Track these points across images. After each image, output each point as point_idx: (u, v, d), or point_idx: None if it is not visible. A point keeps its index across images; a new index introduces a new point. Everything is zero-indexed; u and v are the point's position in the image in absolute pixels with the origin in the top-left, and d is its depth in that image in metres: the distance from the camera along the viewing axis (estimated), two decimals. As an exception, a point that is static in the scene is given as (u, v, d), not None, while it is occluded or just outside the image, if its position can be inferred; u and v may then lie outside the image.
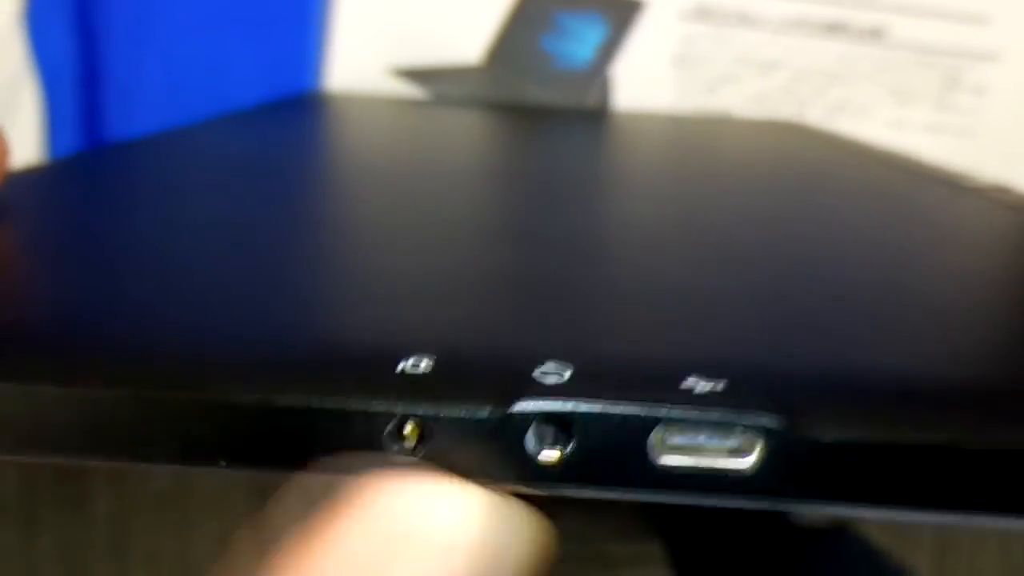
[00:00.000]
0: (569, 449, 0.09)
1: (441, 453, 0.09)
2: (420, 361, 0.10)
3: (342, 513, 0.09)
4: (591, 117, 0.35)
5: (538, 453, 0.09)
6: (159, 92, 0.34)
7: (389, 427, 0.09)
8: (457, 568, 0.09)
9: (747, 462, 0.09)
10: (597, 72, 0.36)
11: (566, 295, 0.13)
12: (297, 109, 0.32)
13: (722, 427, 0.09)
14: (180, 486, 0.39)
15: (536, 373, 0.10)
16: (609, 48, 0.36)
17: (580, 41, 0.36)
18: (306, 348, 0.10)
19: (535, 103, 0.36)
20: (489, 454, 0.09)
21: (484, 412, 0.09)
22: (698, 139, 0.32)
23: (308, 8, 0.35)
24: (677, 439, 0.09)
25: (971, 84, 0.35)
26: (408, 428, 0.09)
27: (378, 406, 0.09)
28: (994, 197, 0.22)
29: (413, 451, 0.09)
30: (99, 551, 0.37)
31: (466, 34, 0.36)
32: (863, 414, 0.09)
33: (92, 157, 0.26)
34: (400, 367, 0.10)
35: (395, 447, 0.09)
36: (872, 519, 0.10)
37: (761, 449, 0.09)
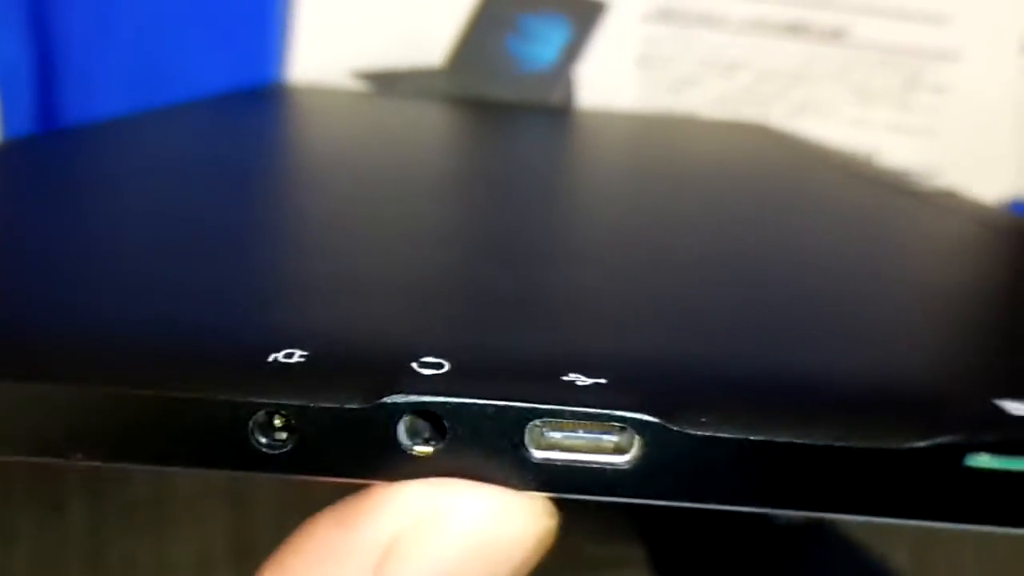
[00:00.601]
0: (443, 444, 0.09)
1: (312, 447, 0.09)
2: (292, 353, 0.09)
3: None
4: (553, 114, 0.34)
5: (411, 447, 0.09)
6: (117, 90, 0.34)
7: (255, 419, 0.09)
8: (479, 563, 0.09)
9: (625, 458, 0.09)
10: (561, 73, 0.36)
11: (462, 294, 0.12)
12: (255, 100, 0.32)
13: (599, 422, 0.09)
14: (156, 494, 0.38)
15: (413, 366, 0.09)
16: (572, 49, 0.36)
17: (543, 42, 0.36)
18: (178, 338, 0.10)
19: (499, 101, 0.36)
20: (361, 448, 0.09)
21: (353, 403, 0.09)
22: (656, 138, 0.32)
23: (269, 7, 0.35)
24: (554, 435, 0.09)
25: (932, 83, 0.35)
26: (276, 421, 0.09)
27: (245, 396, 0.09)
28: (939, 201, 0.22)
29: (282, 445, 0.09)
30: (75, 559, 0.36)
31: (429, 36, 0.36)
32: (738, 412, 0.09)
33: (37, 141, 0.25)
34: (272, 357, 0.09)
35: (262, 440, 0.09)
36: (749, 512, 0.10)
37: (639, 445, 0.09)
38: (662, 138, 0.32)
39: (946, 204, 0.22)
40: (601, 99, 0.36)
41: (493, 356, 0.10)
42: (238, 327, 0.10)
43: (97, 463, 0.09)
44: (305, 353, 0.09)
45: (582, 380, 0.09)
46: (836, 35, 0.35)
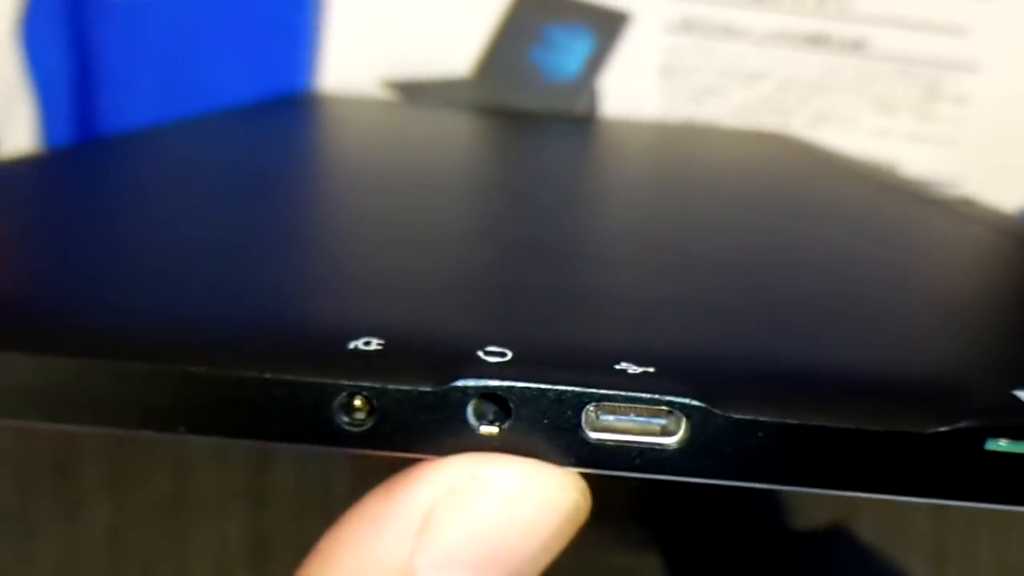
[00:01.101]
0: (507, 424, 0.10)
1: (389, 426, 0.10)
2: (370, 341, 0.10)
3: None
4: (577, 123, 0.35)
5: (478, 427, 0.10)
6: (152, 98, 0.35)
7: (338, 399, 0.10)
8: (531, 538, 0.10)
9: (673, 440, 0.10)
10: (585, 83, 0.37)
11: (516, 291, 0.13)
12: (290, 108, 0.33)
13: (649, 406, 0.10)
14: (177, 494, 0.39)
15: (479, 354, 0.10)
16: (596, 60, 0.36)
17: (568, 53, 0.37)
18: (267, 328, 0.11)
19: (524, 111, 0.36)
20: (433, 427, 0.10)
21: (427, 386, 0.10)
22: (679, 147, 0.32)
23: (300, 21, 0.36)
24: (608, 418, 0.10)
25: (952, 94, 0.36)
26: (357, 401, 0.10)
27: (328, 379, 0.10)
28: (957, 209, 0.23)
29: (362, 423, 0.10)
30: (96, 562, 0.37)
31: (456, 47, 0.36)
32: (776, 398, 0.10)
33: (76, 151, 0.26)
34: (352, 345, 0.10)
35: (344, 419, 0.10)
36: (793, 493, 0.11)
37: (685, 428, 0.10)
38: (684, 147, 0.32)
39: (964, 212, 0.23)
40: (624, 108, 0.36)
41: (551, 346, 0.11)
42: (320, 319, 0.11)
43: (199, 436, 0.10)
44: (381, 342, 0.10)
45: (633, 368, 0.10)
46: (856, 46, 0.36)
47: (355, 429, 0.10)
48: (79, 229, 0.15)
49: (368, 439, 0.10)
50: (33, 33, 0.34)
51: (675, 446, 0.10)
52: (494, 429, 0.10)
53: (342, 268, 0.14)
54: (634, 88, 0.36)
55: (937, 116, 0.36)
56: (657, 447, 0.10)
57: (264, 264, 0.14)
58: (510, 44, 0.37)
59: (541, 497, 0.10)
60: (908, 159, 0.36)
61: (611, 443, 0.10)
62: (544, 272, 0.15)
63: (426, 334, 0.11)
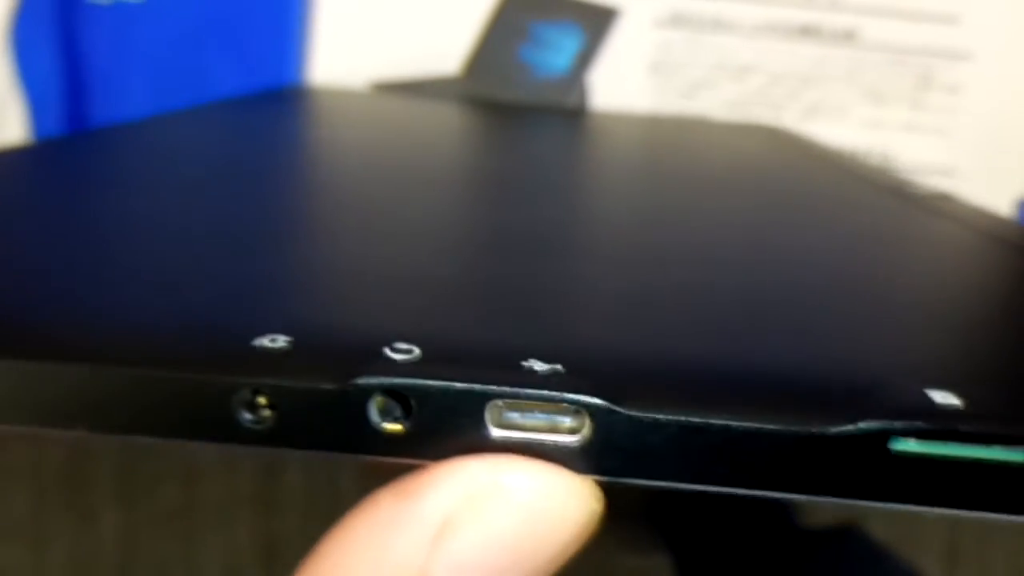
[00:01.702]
0: (411, 422, 0.10)
1: (292, 424, 0.10)
2: (276, 338, 0.10)
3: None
4: (565, 115, 0.35)
5: (382, 424, 0.10)
6: (144, 101, 0.35)
7: (239, 396, 0.10)
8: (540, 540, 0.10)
9: (576, 438, 0.10)
10: (575, 80, 0.36)
11: (438, 287, 0.13)
12: (274, 100, 0.33)
13: (553, 404, 0.10)
14: (187, 501, 0.39)
15: (385, 351, 0.10)
16: (586, 56, 0.36)
17: (557, 50, 0.36)
18: (172, 323, 0.11)
19: (514, 106, 0.36)
20: (337, 425, 0.10)
21: (329, 384, 0.10)
22: (661, 139, 0.32)
23: (289, 22, 0.36)
24: (513, 415, 0.10)
25: (945, 83, 0.35)
26: (260, 399, 0.10)
27: (231, 375, 0.10)
28: (929, 205, 0.23)
29: (264, 421, 0.10)
30: (107, 569, 0.37)
31: (445, 45, 0.36)
32: (678, 397, 0.10)
33: (66, 141, 0.26)
34: (257, 342, 0.10)
35: (247, 417, 0.10)
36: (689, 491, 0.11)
37: (589, 426, 0.10)
38: (667, 139, 0.32)
39: (936, 208, 0.23)
40: (615, 104, 0.36)
41: (459, 343, 0.11)
42: (229, 315, 0.11)
43: (97, 433, 0.10)
44: (289, 339, 0.10)
45: (540, 366, 0.10)
46: (847, 37, 0.36)
47: (258, 427, 0.10)
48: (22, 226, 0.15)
49: (271, 437, 0.10)
50: (23, 36, 0.34)
51: (579, 444, 0.10)
52: (398, 427, 0.10)
53: (271, 263, 0.14)
54: (624, 84, 0.36)
55: (930, 105, 0.36)
56: (561, 445, 0.10)
57: (184, 258, 0.14)
58: (499, 42, 0.36)
59: (560, 506, 0.10)
60: (902, 149, 0.36)
61: (515, 441, 0.10)
62: (474, 265, 0.15)
63: (335, 331, 0.11)
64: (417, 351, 0.10)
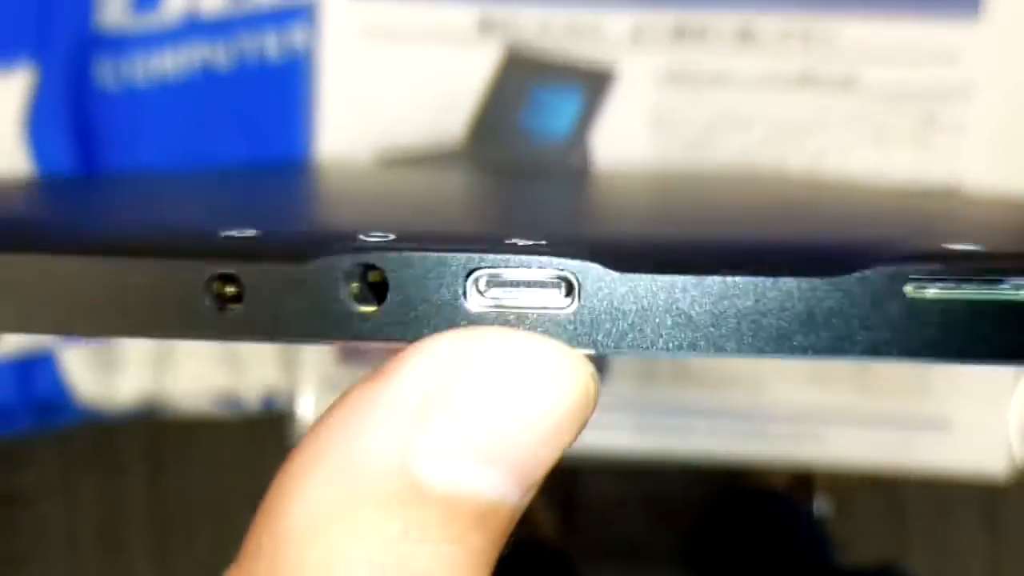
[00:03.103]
0: (387, 300, 0.09)
1: (262, 308, 0.09)
2: (247, 230, 0.10)
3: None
4: (571, 174, 0.35)
5: (355, 306, 0.09)
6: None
7: (206, 281, 0.09)
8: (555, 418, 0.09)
9: (565, 308, 0.09)
10: (577, 142, 0.37)
11: (420, 207, 0.13)
12: (280, 169, 0.33)
13: (539, 272, 0.09)
14: (218, 559, 0.38)
15: (359, 236, 0.10)
16: (586, 118, 0.37)
17: (557, 114, 0.37)
18: (147, 223, 0.11)
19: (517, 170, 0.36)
20: (308, 307, 0.09)
21: (301, 265, 0.09)
22: (674, 185, 0.32)
23: (295, 98, 0.37)
24: (497, 291, 0.09)
25: (949, 122, 0.35)
26: (228, 287, 0.09)
27: (198, 262, 0.09)
28: (946, 198, 0.23)
29: (234, 307, 0.09)
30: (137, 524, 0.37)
31: (446, 115, 0.37)
32: (675, 256, 0.09)
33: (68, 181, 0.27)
34: (224, 233, 0.10)
35: (216, 304, 0.09)
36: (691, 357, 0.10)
37: (577, 294, 0.09)
38: (680, 185, 0.32)
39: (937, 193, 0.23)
40: (618, 163, 0.36)
41: (438, 228, 0.10)
42: (201, 216, 0.11)
43: (70, 335, 0.10)
44: (259, 231, 0.10)
45: (523, 241, 0.10)
46: (847, 83, 0.35)
47: (228, 315, 0.09)
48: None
49: (240, 325, 0.09)
50: (38, 126, 0.36)
51: (569, 314, 0.09)
52: (372, 307, 0.09)
53: (243, 195, 0.14)
54: (626, 142, 0.36)
55: (935, 146, 0.35)
56: (549, 316, 0.09)
57: (172, 197, 0.14)
58: (499, 109, 0.37)
59: (547, 377, 0.09)
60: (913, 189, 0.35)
61: (502, 313, 0.09)
62: (463, 204, 0.15)
63: (305, 223, 0.11)
64: (393, 236, 0.10)
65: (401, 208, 0.14)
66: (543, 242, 0.09)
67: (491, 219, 0.12)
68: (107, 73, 0.36)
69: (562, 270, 0.09)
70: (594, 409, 0.09)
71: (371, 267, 0.09)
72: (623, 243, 0.10)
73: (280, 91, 0.36)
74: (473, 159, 0.37)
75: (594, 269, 0.09)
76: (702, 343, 0.09)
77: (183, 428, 0.41)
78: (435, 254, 0.09)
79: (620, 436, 0.35)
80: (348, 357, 0.38)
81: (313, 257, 0.09)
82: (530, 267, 0.09)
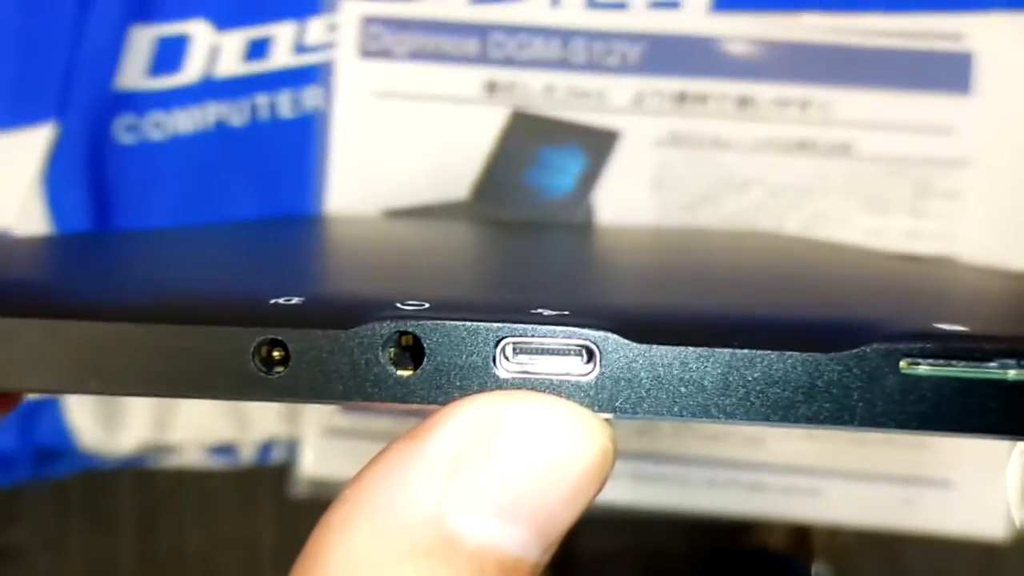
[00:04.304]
0: (422, 366, 0.10)
1: (306, 372, 0.10)
2: (292, 298, 0.11)
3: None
4: (574, 227, 0.36)
5: (394, 370, 0.10)
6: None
7: (254, 346, 0.10)
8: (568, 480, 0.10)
9: (586, 376, 0.10)
10: (579, 200, 0.38)
11: (449, 270, 0.14)
12: (289, 222, 0.34)
13: (563, 341, 0.10)
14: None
15: (396, 304, 0.11)
16: (590, 177, 0.38)
17: (561, 172, 0.38)
18: (191, 291, 0.12)
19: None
20: (349, 372, 0.10)
21: (340, 331, 0.10)
22: (674, 239, 0.33)
23: (305, 153, 0.38)
24: (524, 358, 0.10)
25: (943, 190, 0.36)
26: (275, 351, 0.10)
27: (246, 328, 0.10)
28: (939, 268, 0.23)
29: (279, 371, 0.10)
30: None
31: (452, 173, 0.38)
32: (686, 329, 0.10)
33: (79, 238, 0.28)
34: (272, 301, 0.11)
35: (262, 368, 0.10)
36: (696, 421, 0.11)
37: (598, 361, 0.10)
38: (680, 239, 0.33)
39: (933, 262, 0.24)
40: (619, 221, 0.37)
41: (469, 298, 0.11)
42: (251, 287, 0.12)
43: (118, 391, 0.10)
44: (302, 298, 0.11)
45: (548, 312, 0.10)
46: (843, 150, 0.37)
47: (272, 377, 0.10)
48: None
49: (285, 388, 0.10)
50: (57, 178, 0.36)
51: (589, 381, 0.10)
52: (409, 372, 0.10)
53: (283, 266, 0.15)
54: (628, 201, 0.37)
55: (930, 213, 0.36)
56: (571, 382, 0.10)
57: (210, 263, 0.15)
58: (505, 167, 0.38)
59: (569, 440, 0.10)
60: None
61: (527, 381, 0.10)
62: (479, 271, 0.15)
63: (347, 293, 0.11)
64: (427, 304, 0.10)
65: (424, 265, 0.15)
66: (566, 312, 0.10)
67: (512, 282, 0.13)
68: (124, 128, 0.37)
69: (584, 340, 0.10)
70: (612, 468, 0.10)
71: (408, 333, 0.10)
72: (640, 314, 0.11)
73: (292, 148, 0.37)
74: (478, 213, 0.38)
75: (613, 339, 0.10)
76: (713, 410, 0.10)
77: (175, 478, 0.41)
78: (468, 323, 0.10)
79: (617, 488, 0.35)
80: (349, 408, 0.38)
81: (355, 324, 0.10)
82: (555, 336, 0.10)
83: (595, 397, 0.10)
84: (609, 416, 0.10)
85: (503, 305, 0.11)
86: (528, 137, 0.38)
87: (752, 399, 0.10)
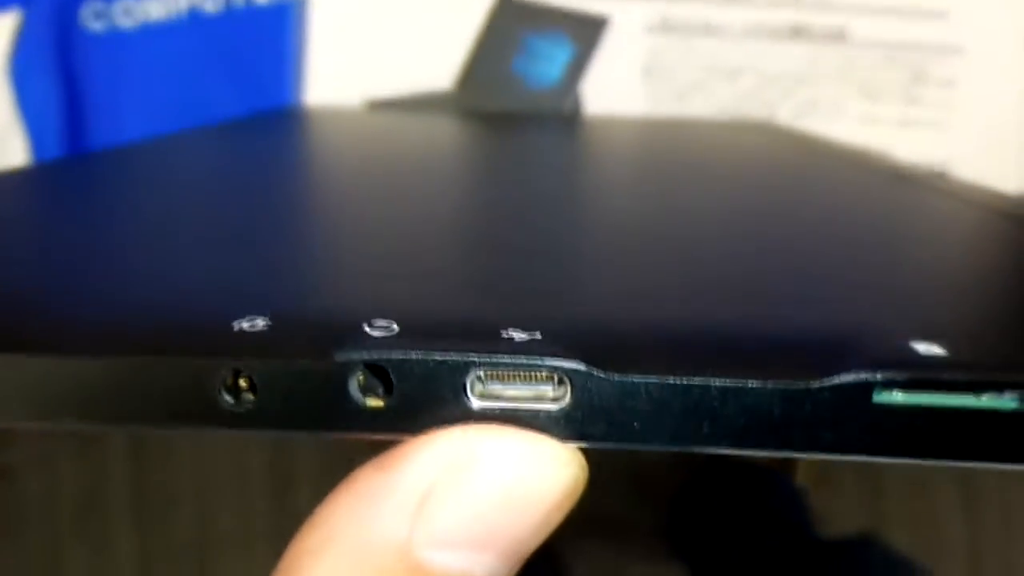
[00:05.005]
0: (393, 396, 0.10)
1: (274, 403, 0.10)
2: (256, 321, 0.10)
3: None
4: (562, 121, 0.35)
5: (364, 401, 0.10)
6: (141, 124, 0.35)
7: (220, 378, 0.10)
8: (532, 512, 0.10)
9: (558, 405, 0.10)
10: (567, 89, 0.37)
11: (415, 273, 0.13)
12: (272, 119, 0.33)
13: (532, 372, 0.10)
14: (201, 534, 0.39)
15: (364, 328, 0.10)
16: (577, 65, 0.37)
17: (549, 60, 0.37)
18: (151, 312, 0.11)
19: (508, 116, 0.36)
20: (318, 403, 0.10)
21: (308, 363, 0.10)
22: (658, 139, 0.32)
23: (284, 43, 0.36)
24: (495, 385, 0.10)
25: (938, 78, 0.35)
26: (242, 380, 0.10)
27: (213, 358, 0.10)
28: (926, 180, 0.23)
29: (246, 402, 0.10)
30: None
31: (437, 61, 0.37)
32: (657, 358, 0.10)
33: (67, 162, 0.27)
34: (236, 326, 0.10)
35: (228, 399, 0.10)
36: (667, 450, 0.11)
37: (569, 392, 0.10)
38: (664, 139, 0.32)
39: (930, 184, 0.23)
40: (608, 111, 0.36)
41: (436, 318, 0.11)
42: (212, 303, 0.11)
43: (85, 426, 0.10)
44: (268, 321, 0.10)
45: (519, 335, 0.10)
46: (837, 36, 0.36)
47: (240, 409, 0.10)
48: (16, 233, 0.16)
49: (253, 419, 0.10)
50: (22, 67, 0.35)
51: (560, 411, 0.10)
52: (379, 402, 0.10)
53: (246, 258, 0.14)
54: (617, 90, 0.36)
55: (924, 100, 0.35)
56: (543, 413, 0.10)
57: (167, 258, 0.14)
58: (490, 55, 0.37)
59: (540, 475, 0.10)
60: (898, 145, 0.35)
61: (497, 411, 0.10)
62: (456, 256, 0.15)
63: (314, 312, 0.11)
64: (395, 327, 0.10)
65: (398, 245, 0.15)
66: (537, 334, 0.10)
67: (485, 297, 0.12)
68: (92, 15, 0.36)
69: (554, 369, 0.10)
70: (583, 490, 0.10)
71: (377, 364, 0.10)
72: (611, 343, 0.10)
73: (269, 36, 0.36)
74: (463, 103, 0.37)
75: (582, 370, 0.10)
76: (684, 438, 0.10)
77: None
78: (436, 354, 0.10)
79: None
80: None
81: (322, 355, 0.10)
82: (524, 368, 0.10)
83: (565, 426, 0.10)
84: (581, 445, 0.10)
85: (473, 329, 0.10)
86: (514, 23, 0.37)
87: (722, 427, 0.10)
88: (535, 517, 0.10)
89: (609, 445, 0.10)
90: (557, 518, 0.10)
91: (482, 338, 0.10)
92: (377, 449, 0.11)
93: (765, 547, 0.34)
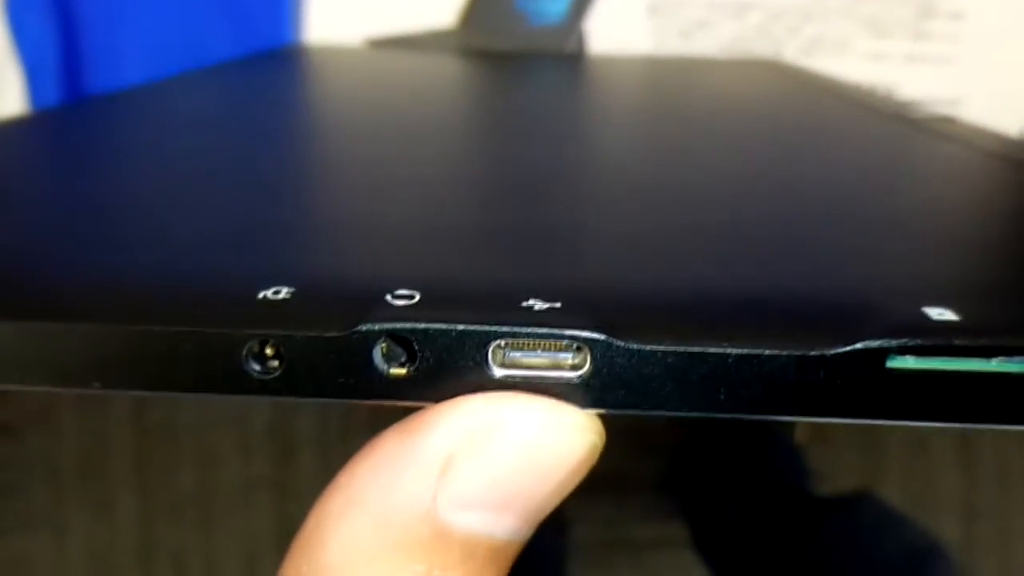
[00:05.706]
0: (415, 365, 0.10)
1: (299, 372, 0.10)
2: (280, 289, 0.11)
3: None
4: (566, 61, 0.35)
5: (387, 369, 0.10)
6: (140, 65, 0.35)
7: (248, 348, 0.10)
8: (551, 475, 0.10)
9: (578, 374, 0.10)
10: (572, 26, 0.36)
11: (438, 233, 0.13)
12: (273, 61, 0.32)
13: (554, 341, 0.10)
14: (202, 488, 0.39)
15: (387, 298, 0.10)
16: (582, 2, 0.36)
17: (552, -3, 0.36)
18: (178, 280, 0.11)
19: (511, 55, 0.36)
20: (343, 372, 0.10)
21: (333, 331, 0.10)
22: (664, 79, 0.32)
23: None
24: (515, 354, 0.10)
25: (947, 11, 0.35)
26: (268, 349, 0.10)
27: (240, 328, 0.10)
28: (935, 127, 0.23)
29: (273, 371, 0.10)
30: (126, 556, 0.37)
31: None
32: (675, 327, 0.10)
33: (67, 109, 0.26)
34: (262, 294, 0.10)
35: (256, 367, 0.10)
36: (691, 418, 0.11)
37: (589, 361, 0.10)
38: (673, 78, 0.32)
39: (933, 128, 0.22)
40: (613, 49, 0.36)
41: (458, 287, 0.11)
42: (236, 269, 0.12)
43: (113, 391, 0.10)
44: (291, 289, 0.11)
45: (539, 304, 0.10)
46: (845, -30, 0.35)
47: (266, 377, 0.10)
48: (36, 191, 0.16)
49: (279, 387, 0.10)
50: (18, 8, 0.34)
51: (580, 379, 0.10)
52: (402, 371, 0.10)
53: (267, 219, 0.14)
54: (622, 27, 0.36)
55: (932, 35, 0.35)
56: (563, 381, 0.10)
57: (186, 219, 0.14)
58: (494, -8, 0.36)
59: (559, 440, 0.10)
60: (906, 81, 0.35)
61: (518, 379, 0.10)
62: (473, 213, 0.15)
63: (337, 281, 0.11)
64: (418, 296, 0.10)
65: (414, 209, 0.15)
66: (557, 303, 0.10)
67: (504, 263, 0.12)
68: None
69: (574, 339, 0.10)
70: (598, 456, 0.11)
71: (400, 334, 0.10)
72: (629, 312, 0.11)
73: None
74: (465, 41, 0.36)
75: (602, 340, 0.10)
76: (700, 405, 0.10)
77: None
78: (459, 325, 0.10)
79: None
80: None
81: (348, 326, 0.10)
82: (544, 338, 0.10)
83: (585, 394, 0.10)
84: (600, 412, 0.11)
85: (494, 298, 0.11)
86: (517, -41, 0.36)
87: (739, 394, 0.10)
88: (554, 481, 0.10)
89: (627, 412, 0.10)
90: (575, 482, 0.11)
91: (503, 308, 0.10)
92: (392, 417, 0.11)
93: (763, 504, 0.35)
